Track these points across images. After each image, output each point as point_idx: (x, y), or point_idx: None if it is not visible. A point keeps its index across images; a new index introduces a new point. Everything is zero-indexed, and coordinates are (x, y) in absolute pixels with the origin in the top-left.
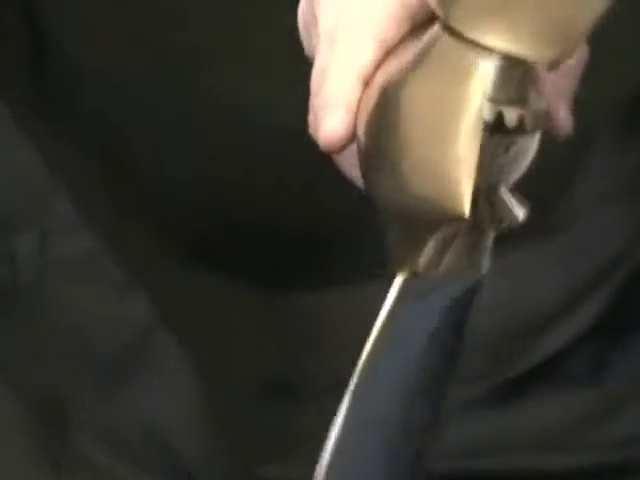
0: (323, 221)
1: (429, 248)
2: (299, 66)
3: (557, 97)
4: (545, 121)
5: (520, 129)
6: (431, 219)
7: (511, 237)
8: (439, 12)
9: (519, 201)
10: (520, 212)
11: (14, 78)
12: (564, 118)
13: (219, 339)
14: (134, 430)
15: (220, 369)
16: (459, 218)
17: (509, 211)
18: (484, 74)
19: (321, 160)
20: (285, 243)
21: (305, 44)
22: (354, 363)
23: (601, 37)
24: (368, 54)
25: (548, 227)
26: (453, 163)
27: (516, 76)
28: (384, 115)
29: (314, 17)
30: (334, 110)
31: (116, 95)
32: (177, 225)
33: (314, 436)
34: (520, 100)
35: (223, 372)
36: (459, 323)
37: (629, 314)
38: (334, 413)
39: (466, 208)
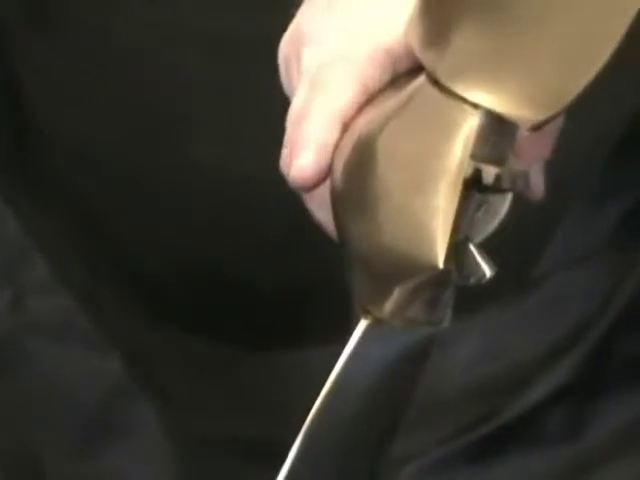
0: (298, 278)
1: (396, 296)
2: (268, 123)
3: (532, 158)
4: (522, 182)
5: (496, 187)
6: (401, 267)
7: (488, 294)
8: (427, 63)
9: (486, 259)
10: (487, 270)
11: None
12: (536, 180)
13: (193, 398)
14: None
15: (193, 429)
16: (431, 269)
17: (477, 267)
18: (467, 129)
19: (296, 214)
20: (260, 301)
21: (285, 82)
22: None
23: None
24: (349, 95)
25: (525, 284)
26: (431, 214)
27: (497, 134)
28: (362, 160)
29: (298, 57)
30: (308, 149)
31: (89, 162)
32: (151, 286)
33: None
34: (499, 159)
35: (196, 432)
36: (410, 375)
37: (604, 372)
38: None
39: (440, 260)
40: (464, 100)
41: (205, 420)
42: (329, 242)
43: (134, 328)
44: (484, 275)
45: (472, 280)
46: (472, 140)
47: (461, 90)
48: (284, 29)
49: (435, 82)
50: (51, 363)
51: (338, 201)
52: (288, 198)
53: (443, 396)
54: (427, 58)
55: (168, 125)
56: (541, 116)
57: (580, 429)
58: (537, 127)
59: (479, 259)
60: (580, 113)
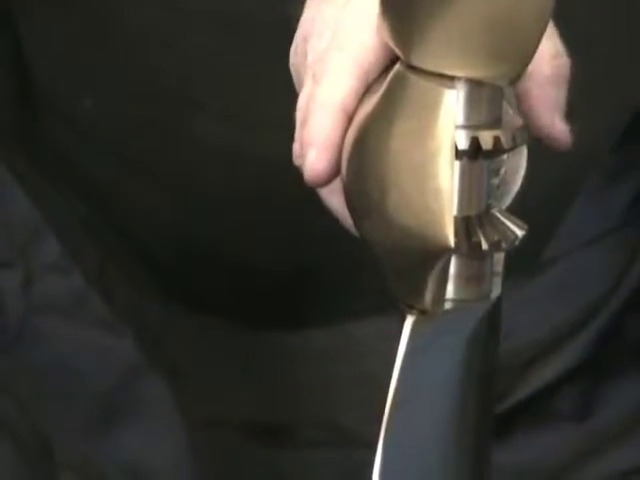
0: (309, 260)
1: (429, 284)
2: (283, 107)
3: (549, 108)
4: (524, 137)
5: (498, 149)
6: (419, 255)
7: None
8: (400, 52)
9: (513, 220)
10: (517, 230)
11: (8, 129)
12: (560, 129)
13: (204, 380)
14: (119, 470)
15: (205, 410)
16: (444, 249)
17: (506, 232)
18: (451, 103)
19: (306, 197)
20: (271, 283)
21: (297, 84)
22: (338, 404)
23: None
24: (347, 84)
25: (536, 266)
26: (432, 196)
27: (483, 99)
28: (363, 153)
29: (305, 56)
30: (316, 147)
31: (100, 141)
32: (162, 267)
33: (311, 468)
34: (493, 122)
35: (208, 413)
36: (485, 352)
37: (615, 353)
38: (318, 456)
39: (450, 239)
40: (441, 76)
41: (214, 402)
42: (333, 223)
43: (146, 308)
44: (516, 237)
45: (504, 245)
46: (459, 113)
47: (435, 67)
48: (298, 10)
49: (411, 68)
50: (64, 343)
51: (349, 196)
52: (293, 179)
53: None
54: (398, 46)
55: (176, 104)
56: (509, 69)
57: (591, 409)
58: (513, 80)
59: (507, 223)
60: (592, 98)
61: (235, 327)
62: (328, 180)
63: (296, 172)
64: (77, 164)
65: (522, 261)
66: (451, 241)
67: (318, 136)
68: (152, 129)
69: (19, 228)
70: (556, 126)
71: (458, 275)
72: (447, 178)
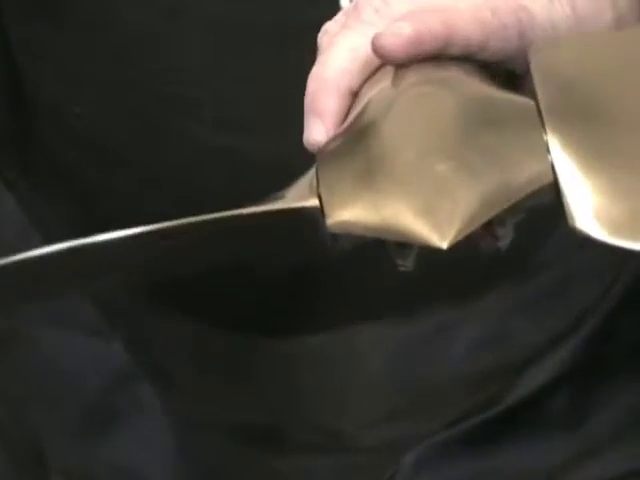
0: (305, 265)
1: None
2: (281, 111)
3: None
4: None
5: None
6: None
7: (490, 280)
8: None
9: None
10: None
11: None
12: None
13: (194, 384)
14: (111, 474)
15: (194, 413)
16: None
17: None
18: None
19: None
20: (265, 288)
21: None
22: (333, 408)
23: None
24: (338, 63)
25: (528, 271)
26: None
27: None
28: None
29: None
30: (316, 118)
31: (89, 143)
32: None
33: (294, 474)
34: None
35: (197, 416)
36: None
37: (605, 357)
38: (312, 461)
39: (446, 243)
40: None
41: (207, 406)
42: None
43: (135, 313)
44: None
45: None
46: None
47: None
48: (296, 17)
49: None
50: (55, 349)
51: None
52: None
53: (445, 382)
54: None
55: (172, 108)
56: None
57: (584, 413)
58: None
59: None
60: None
61: (229, 332)
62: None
63: (292, 177)
64: (68, 167)
65: (516, 265)
66: (446, 244)
67: (318, 109)
68: (147, 132)
69: (6, 231)
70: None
71: None
72: None
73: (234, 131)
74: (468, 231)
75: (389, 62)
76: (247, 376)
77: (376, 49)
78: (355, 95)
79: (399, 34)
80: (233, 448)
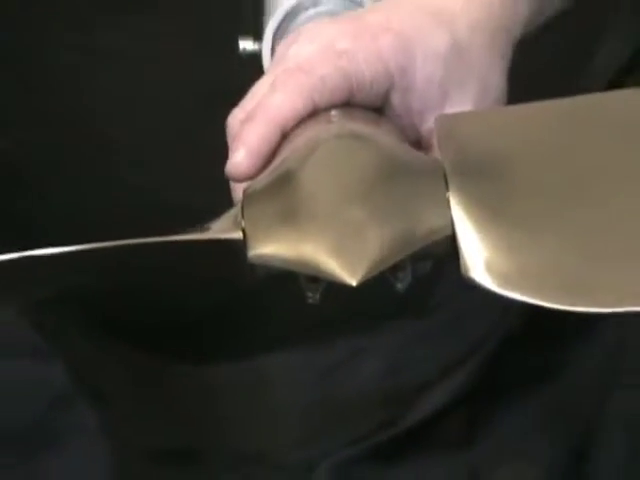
0: (227, 299)
1: None
2: (206, 158)
3: None
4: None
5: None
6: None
7: (393, 314)
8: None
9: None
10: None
11: None
12: None
13: (129, 406)
14: None
15: (129, 436)
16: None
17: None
18: None
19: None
20: (191, 319)
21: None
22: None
23: None
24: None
25: (424, 309)
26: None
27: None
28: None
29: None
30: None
31: (19, 179)
32: (92, 302)
33: None
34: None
35: (131, 439)
36: None
37: (499, 383)
38: (240, 472)
39: (355, 281)
40: None
41: (139, 428)
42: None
43: (76, 340)
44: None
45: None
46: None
47: None
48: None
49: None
50: (1, 374)
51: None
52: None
53: (353, 403)
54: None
55: (94, 145)
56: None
57: (475, 436)
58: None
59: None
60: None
61: (163, 359)
62: (246, 178)
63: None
64: None
65: (414, 304)
66: (356, 282)
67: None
68: (70, 166)
69: None
70: None
71: None
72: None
73: (154, 173)
74: (375, 272)
75: (246, 180)
76: (168, 400)
77: (232, 179)
78: (284, 137)
79: (236, 164)
80: (158, 466)
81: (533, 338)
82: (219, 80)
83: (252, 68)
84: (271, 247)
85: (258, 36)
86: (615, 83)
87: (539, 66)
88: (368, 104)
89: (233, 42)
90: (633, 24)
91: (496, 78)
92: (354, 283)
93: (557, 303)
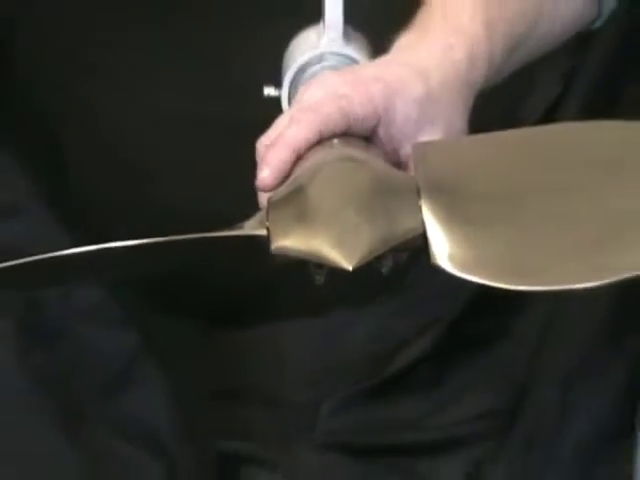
0: (255, 283)
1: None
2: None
3: None
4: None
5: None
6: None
7: (376, 293)
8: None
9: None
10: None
11: None
12: None
13: (186, 363)
14: (130, 422)
15: (186, 383)
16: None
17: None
18: None
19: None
20: (229, 298)
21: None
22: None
23: None
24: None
25: (402, 287)
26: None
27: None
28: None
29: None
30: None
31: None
32: (157, 284)
33: (252, 421)
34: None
35: (188, 385)
36: None
37: (458, 343)
38: (257, 414)
39: (351, 267)
40: None
41: (193, 377)
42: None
43: (145, 313)
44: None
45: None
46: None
47: None
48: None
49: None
50: (89, 337)
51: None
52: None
53: (348, 358)
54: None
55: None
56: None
57: (441, 381)
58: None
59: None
60: None
61: (207, 326)
62: (269, 190)
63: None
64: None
65: (393, 283)
66: (352, 267)
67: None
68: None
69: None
70: None
71: None
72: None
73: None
74: (366, 260)
75: (270, 191)
76: (214, 356)
77: (259, 190)
78: (298, 159)
79: (262, 179)
80: (210, 403)
81: (483, 310)
82: (243, 117)
83: (261, 105)
84: (288, 241)
85: (278, 84)
86: (547, 117)
87: (485, 99)
88: (361, 134)
89: (254, 85)
90: (563, 62)
91: (460, 120)
92: (350, 268)
93: (505, 283)
